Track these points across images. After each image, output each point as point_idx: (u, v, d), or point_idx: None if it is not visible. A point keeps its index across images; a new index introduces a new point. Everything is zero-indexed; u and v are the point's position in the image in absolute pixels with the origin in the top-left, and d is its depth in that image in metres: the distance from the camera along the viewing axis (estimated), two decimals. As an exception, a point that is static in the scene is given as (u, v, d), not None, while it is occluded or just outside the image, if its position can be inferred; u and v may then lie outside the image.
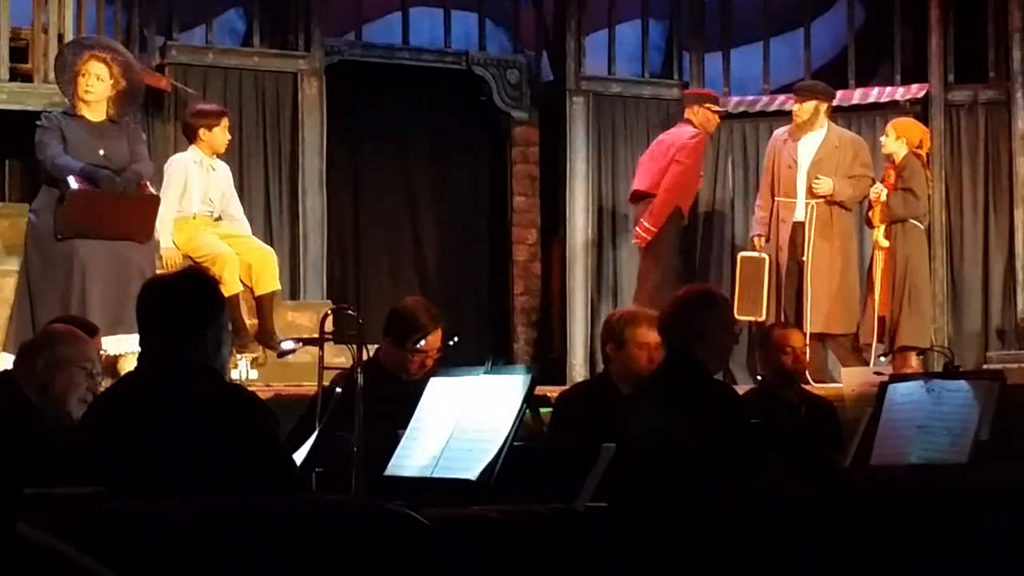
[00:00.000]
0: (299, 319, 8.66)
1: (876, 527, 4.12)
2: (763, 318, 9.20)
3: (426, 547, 3.38)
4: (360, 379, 4.65)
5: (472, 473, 4.41)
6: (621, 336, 5.89)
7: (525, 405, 4.53)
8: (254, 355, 8.14)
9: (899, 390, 5.53)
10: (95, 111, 7.66)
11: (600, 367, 9.97)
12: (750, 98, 11.09)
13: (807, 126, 9.49)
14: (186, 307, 3.94)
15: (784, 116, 10.29)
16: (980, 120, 10.73)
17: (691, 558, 4.11)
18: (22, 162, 8.85)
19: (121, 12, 9.60)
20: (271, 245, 8.91)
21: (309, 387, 6.14)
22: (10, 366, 5.08)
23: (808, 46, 11.16)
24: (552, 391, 6.83)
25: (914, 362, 9.15)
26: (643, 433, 4.78)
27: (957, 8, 10.75)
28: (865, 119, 10.68)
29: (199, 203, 8.35)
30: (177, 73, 9.79)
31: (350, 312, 5.36)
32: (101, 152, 7.58)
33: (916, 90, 10.77)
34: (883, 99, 10.81)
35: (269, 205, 10.06)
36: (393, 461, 4.71)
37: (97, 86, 7.63)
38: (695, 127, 9.88)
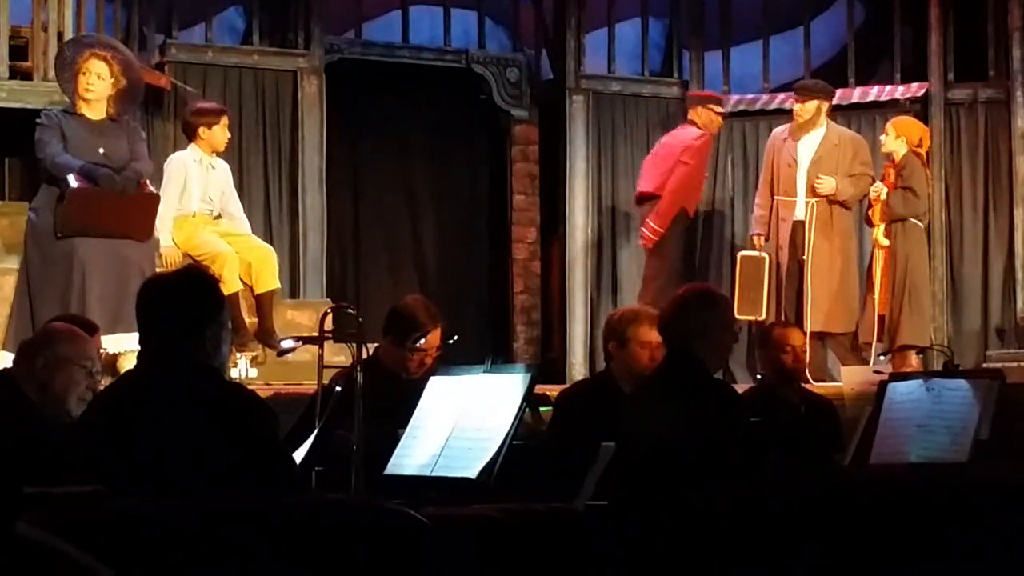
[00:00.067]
0: (299, 317, 8.66)
1: (876, 526, 4.12)
2: (763, 317, 9.19)
3: (426, 546, 3.38)
4: (360, 378, 4.65)
5: (472, 472, 4.41)
6: (623, 335, 5.89)
7: (525, 404, 4.53)
8: (254, 354, 8.14)
9: (899, 389, 5.52)
10: (95, 109, 7.66)
11: (600, 366, 10.00)
12: (750, 96, 11.09)
13: (809, 126, 9.49)
14: (186, 306, 3.94)
15: (784, 115, 10.29)
16: (980, 119, 10.73)
17: (691, 557, 4.12)
18: (22, 160, 8.85)
19: (121, 10, 9.60)
20: (271, 243, 8.91)
21: (309, 386, 6.14)
22: (10, 364, 5.07)
23: (808, 45, 11.16)
24: (552, 390, 6.83)
25: (914, 361, 9.15)
26: (643, 432, 4.78)
27: (957, 6, 10.74)
28: (865, 118, 10.68)
29: (199, 201, 8.34)
30: (177, 71, 9.79)
31: (350, 311, 5.36)
32: (101, 150, 7.57)
33: (916, 89, 10.76)
34: (883, 98, 10.80)
35: (269, 203, 10.06)
36: (393, 460, 4.71)
37: (98, 84, 7.63)
38: (699, 128, 9.89)
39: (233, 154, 9.21)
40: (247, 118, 9.99)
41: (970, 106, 10.74)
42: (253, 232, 8.69)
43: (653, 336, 5.56)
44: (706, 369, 4.96)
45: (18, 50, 8.50)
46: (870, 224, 9.49)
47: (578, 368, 10.63)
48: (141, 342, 4.04)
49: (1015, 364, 9.25)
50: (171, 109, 9.64)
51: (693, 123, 9.95)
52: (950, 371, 6.40)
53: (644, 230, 9.83)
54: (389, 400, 4.99)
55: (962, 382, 5.38)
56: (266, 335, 8.20)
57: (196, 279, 4.12)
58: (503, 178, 10.98)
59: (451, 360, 5.52)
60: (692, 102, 10.17)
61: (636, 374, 5.70)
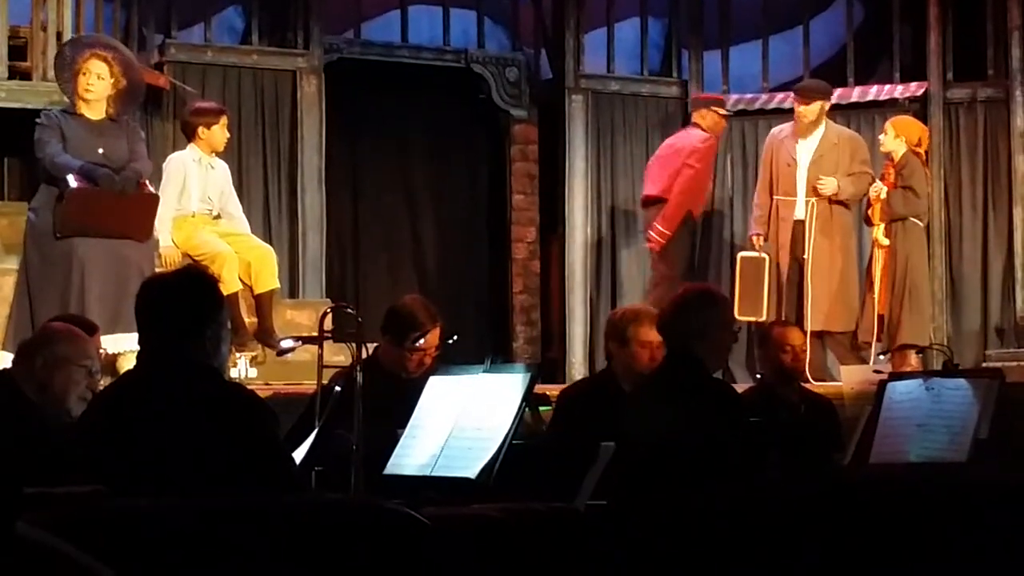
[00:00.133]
0: (298, 317, 8.66)
1: (875, 525, 4.12)
2: (763, 318, 9.19)
3: (426, 546, 3.38)
4: (359, 377, 4.65)
5: (471, 472, 4.41)
6: (624, 334, 5.89)
7: (524, 403, 4.53)
8: (253, 353, 8.13)
9: (898, 388, 5.53)
10: (95, 110, 7.65)
11: (599, 365, 10.00)
12: (749, 96, 11.08)
13: (813, 127, 9.49)
14: (185, 305, 3.94)
15: (784, 114, 10.29)
16: (979, 118, 10.73)
17: (691, 556, 4.12)
18: (21, 160, 8.85)
19: (120, 10, 9.59)
20: (270, 243, 8.91)
21: (308, 385, 6.14)
22: (9, 365, 5.07)
23: (807, 44, 11.16)
24: (551, 390, 6.82)
25: (913, 360, 9.15)
26: (643, 431, 4.78)
27: (956, 6, 10.74)
28: (864, 117, 10.68)
29: (198, 201, 8.34)
30: (176, 71, 9.79)
31: (349, 310, 5.36)
32: (100, 151, 7.57)
33: (915, 88, 10.77)
34: (882, 97, 10.80)
35: (268, 203, 10.06)
36: (392, 460, 4.71)
37: (98, 85, 7.62)
38: (704, 130, 9.89)
39: (232, 154, 9.21)
40: (246, 118, 9.99)
41: (969, 105, 10.74)
42: (252, 232, 8.69)
43: (654, 336, 5.56)
44: (706, 369, 4.96)
45: (17, 50, 8.50)
46: (869, 224, 9.49)
47: (577, 368, 10.63)
48: (140, 342, 4.04)
49: (1015, 363, 9.25)
50: (170, 109, 9.64)
51: (697, 125, 9.96)
52: (950, 370, 6.40)
53: (651, 233, 9.82)
54: (388, 400, 4.99)
55: (962, 381, 5.38)
56: (265, 335, 8.20)
57: (195, 279, 4.12)
58: (502, 178, 10.98)
59: (451, 360, 5.52)
60: (697, 104, 10.18)
61: (637, 374, 5.70)
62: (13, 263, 7.69)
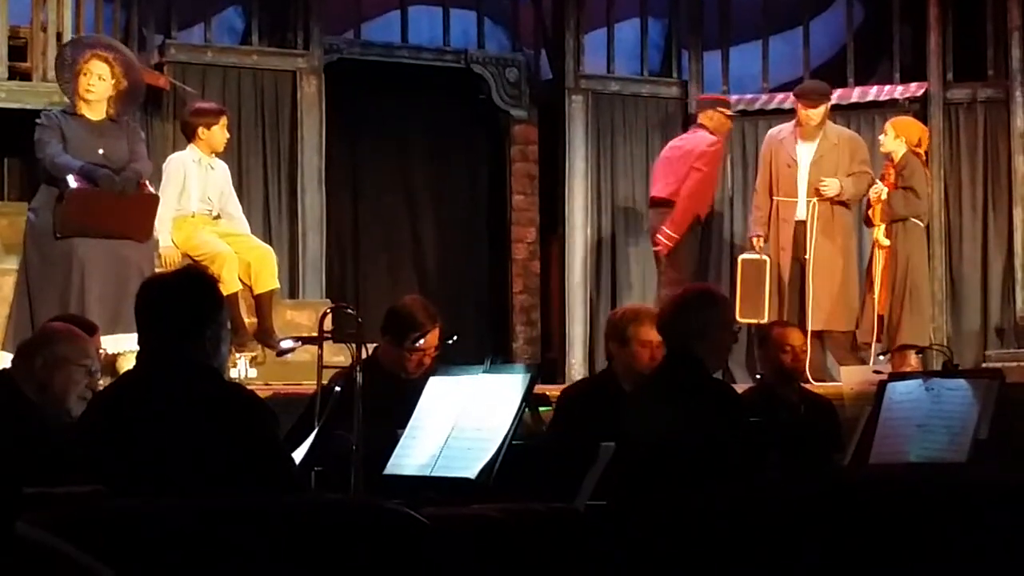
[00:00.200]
0: (298, 318, 8.66)
1: (875, 525, 4.12)
2: (765, 320, 9.18)
3: (426, 546, 3.38)
4: (359, 378, 4.65)
5: (471, 472, 4.41)
6: (624, 334, 5.89)
7: (524, 404, 4.53)
8: (253, 354, 8.13)
9: (898, 389, 5.53)
10: (95, 110, 7.65)
11: (599, 365, 10.00)
12: (749, 96, 11.08)
13: (819, 129, 9.49)
14: (185, 306, 3.94)
15: (783, 115, 10.29)
16: (979, 118, 10.73)
17: (691, 556, 4.12)
18: (21, 161, 8.85)
19: (120, 10, 9.59)
20: (270, 243, 8.90)
21: (308, 386, 6.14)
22: (9, 365, 5.07)
23: (807, 44, 11.16)
24: (551, 390, 6.82)
25: (914, 360, 9.15)
26: (643, 431, 4.78)
27: (956, 6, 10.74)
28: (864, 117, 10.67)
29: (198, 202, 8.34)
30: (176, 71, 9.79)
31: (349, 311, 5.36)
32: (100, 151, 7.57)
33: (915, 88, 10.76)
34: (882, 97, 10.80)
35: (268, 203, 10.06)
36: (392, 460, 4.71)
37: (99, 85, 7.62)
38: (710, 132, 9.88)
39: (232, 154, 9.21)
40: (246, 118, 9.99)
41: (969, 106, 10.74)
42: (252, 232, 8.68)
43: (654, 335, 5.56)
44: (706, 369, 4.96)
45: (17, 50, 8.50)
46: (869, 224, 9.48)
47: (577, 368, 10.63)
48: (140, 342, 4.04)
49: (1014, 364, 9.25)
50: (170, 109, 9.64)
51: (703, 126, 9.94)
52: (949, 371, 6.40)
53: (660, 237, 9.79)
54: (388, 400, 4.99)
55: (961, 382, 5.38)
56: (265, 335, 8.19)
57: (195, 279, 4.12)
58: (502, 178, 10.98)
59: (450, 360, 5.52)
60: (703, 105, 10.16)
61: (637, 373, 5.70)
62: (13, 263, 7.69)
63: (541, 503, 4.29)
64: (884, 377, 6.00)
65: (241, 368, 7.95)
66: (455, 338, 5.89)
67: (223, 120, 8.48)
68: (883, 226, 9.30)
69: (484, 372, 4.75)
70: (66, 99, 7.74)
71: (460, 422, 4.60)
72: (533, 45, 11.13)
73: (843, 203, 9.44)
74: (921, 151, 9.41)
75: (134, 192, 7.62)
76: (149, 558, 3.07)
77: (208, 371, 3.90)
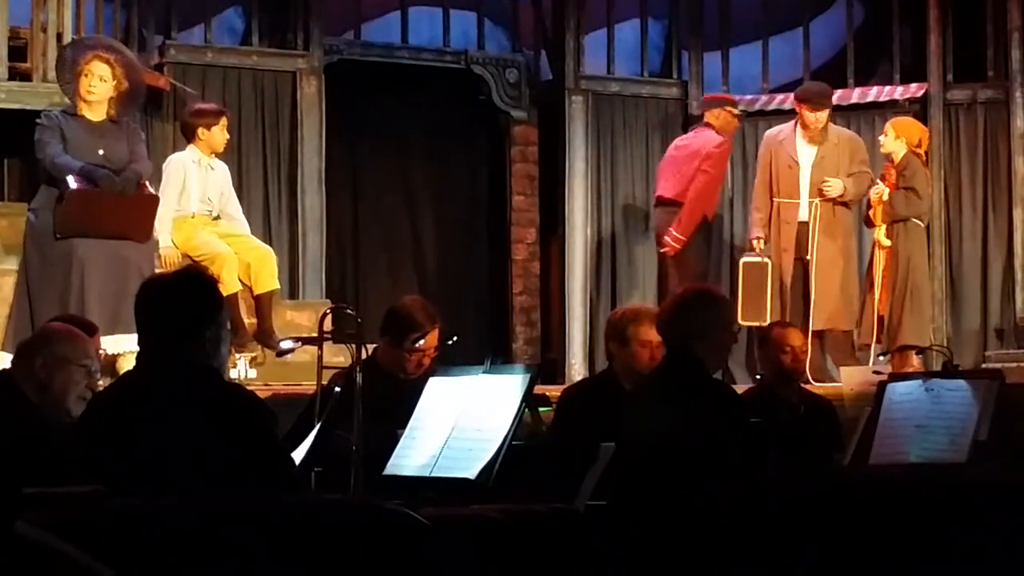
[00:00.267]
0: (298, 318, 8.66)
1: (875, 526, 4.12)
2: (767, 323, 9.18)
3: (425, 547, 3.38)
4: (359, 378, 4.65)
5: (471, 472, 4.41)
6: (623, 334, 5.90)
7: (524, 404, 4.53)
8: (253, 354, 8.14)
9: (898, 389, 5.53)
10: (96, 111, 7.65)
11: (599, 366, 10.00)
12: (749, 97, 11.08)
13: (824, 132, 9.49)
14: (185, 306, 3.94)
15: (784, 115, 10.29)
16: (979, 119, 10.73)
17: (691, 557, 4.11)
18: (21, 161, 8.85)
19: (120, 11, 9.60)
20: (270, 244, 8.91)
21: (308, 386, 6.14)
22: (9, 365, 5.07)
23: (807, 45, 11.16)
24: (551, 391, 6.83)
25: (915, 361, 9.14)
26: (643, 432, 4.78)
27: (956, 7, 10.75)
28: (864, 118, 10.68)
29: (198, 202, 8.34)
30: (176, 72, 9.79)
31: (349, 311, 5.37)
32: (100, 152, 7.57)
33: (915, 89, 10.77)
34: (882, 98, 10.80)
35: (268, 204, 10.07)
36: (392, 460, 4.71)
37: (100, 87, 7.62)
38: (717, 131, 9.86)
39: (232, 155, 9.21)
40: (246, 119, 10.00)
41: (969, 107, 10.75)
42: (252, 233, 8.69)
43: (653, 335, 5.57)
44: (706, 369, 4.96)
45: (17, 51, 8.50)
46: (869, 225, 9.48)
47: (577, 368, 10.63)
48: (140, 343, 4.04)
49: (1014, 364, 9.26)
50: (170, 110, 9.64)
51: (710, 125, 9.92)
52: (949, 371, 6.40)
53: (668, 239, 9.77)
54: (388, 401, 4.99)
55: (961, 382, 5.38)
56: (265, 336, 8.19)
57: (195, 280, 4.13)
58: (502, 179, 10.99)
59: (450, 361, 5.52)
60: (710, 104, 10.12)
61: (637, 373, 5.70)
62: (13, 263, 7.70)
63: (541, 503, 4.29)
64: (884, 377, 6.00)
65: (241, 368, 7.95)
66: (455, 339, 5.89)
67: (223, 121, 8.48)
68: (884, 226, 9.30)
69: (484, 372, 4.75)
70: (66, 99, 7.75)
71: (460, 422, 4.60)
72: (533, 46, 11.13)
73: (844, 203, 9.45)
74: (921, 151, 9.41)
75: (134, 193, 7.63)
76: (149, 558, 3.07)
77: (208, 371, 3.91)
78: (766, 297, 9.34)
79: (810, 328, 8.99)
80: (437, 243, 11.04)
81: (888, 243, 9.28)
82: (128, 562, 3.04)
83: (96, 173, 7.47)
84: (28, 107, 8.06)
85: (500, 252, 11.00)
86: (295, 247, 10.05)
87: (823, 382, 8.81)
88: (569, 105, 10.91)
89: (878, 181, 9.38)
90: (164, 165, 8.41)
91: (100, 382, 4.94)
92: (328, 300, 9.54)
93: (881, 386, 5.62)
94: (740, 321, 8.93)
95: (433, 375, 5.01)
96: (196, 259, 8.07)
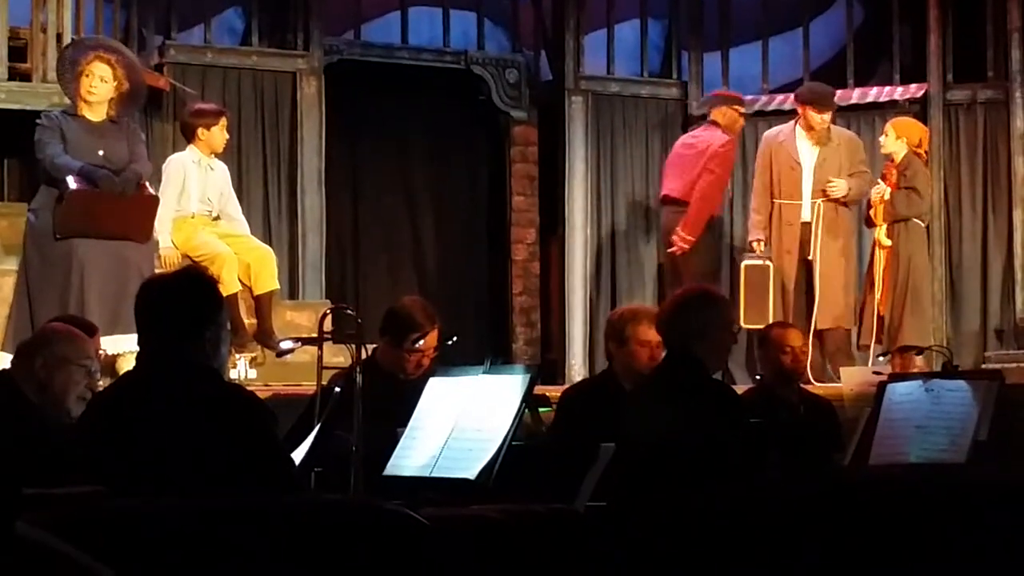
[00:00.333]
0: (298, 318, 8.66)
1: (875, 526, 4.12)
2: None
3: (425, 547, 3.38)
4: (359, 378, 4.65)
5: (471, 473, 4.40)
6: (623, 334, 5.90)
7: (524, 404, 4.53)
8: (253, 355, 8.13)
9: (898, 389, 5.53)
10: (96, 111, 7.65)
11: (599, 366, 10.00)
12: (749, 97, 11.07)
13: (828, 133, 9.48)
14: (185, 307, 3.94)
15: (784, 115, 10.29)
16: (979, 119, 10.73)
17: (691, 557, 4.11)
18: (21, 161, 8.85)
19: (120, 11, 9.60)
20: (270, 244, 8.91)
21: (308, 387, 6.14)
22: (9, 365, 5.07)
23: (807, 45, 11.16)
24: (551, 391, 6.83)
25: (918, 361, 9.14)
26: (643, 432, 4.78)
27: (956, 7, 10.75)
28: (864, 118, 10.68)
29: (197, 202, 8.34)
30: (176, 72, 9.79)
31: (349, 311, 5.37)
32: (100, 152, 7.57)
33: (915, 89, 10.77)
34: (882, 98, 10.81)
35: (268, 204, 10.07)
36: (392, 461, 4.71)
37: (101, 87, 7.62)
38: (722, 129, 9.85)
39: (232, 155, 9.21)
40: (246, 119, 10.00)
41: (969, 107, 10.75)
42: (252, 233, 8.69)
43: (653, 335, 5.57)
44: (706, 369, 4.96)
45: (17, 51, 8.50)
46: (870, 225, 9.48)
47: (577, 369, 10.63)
48: (140, 343, 4.04)
49: (1014, 365, 9.26)
50: (170, 110, 9.64)
51: (715, 123, 9.89)
52: (949, 372, 6.40)
53: (675, 239, 9.74)
54: (388, 401, 4.99)
55: (961, 383, 5.39)
56: (265, 336, 8.19)
57: (195, 280, 4.13)
58: (502, 179, 10.99)
59: (450, 361, 5.52)
60: (716, 102, 10.07)
61: (637, 373, 5.70)
62: (13, 264, 7.70)
63: (541, 504, 4.29)
64: (884, 378, 6.00)
65: (241, 369, 7.95)
66: (455, 339, 5.89)
67: (223, 121, 8.48)
68: (884, 226, 9.29)
69: (484, 373, 4.75)
70: (66, 100, 7.74)
71: (460, 423, 4.60)
72: (533, 46, 11.13)
73: (846, 204, 9.45)
74: (922, 151, 9.41)
75: (134, 193, 7.63)
76: (149, 558, 3.07)
77: (208, 372, 3.91)
78: (768, 300, 9.34)
79: (811, 328, 8.98)
80: (437, 243, 11.04)
81: (889, 243, 9.28)
82: (128, 562, 3.04)
83: (96, 173, 7.47)
84: (28, 107, 8.06)
85: (500, 252, 11.00)
86: (295, 247, 10.05)
87: (823, 382, 8.81)
88: (569, 105, 10.91)
89: (879, 181, 9.38)
90: (164, 165, 8.41)
91: (100, 382, 4.94)
92: (328, 300, 9.54)
93: (881, 386, 5.62)
94: (742, 324, 8.93)
95: (433, 375, 5.01)
96: (196, 259, 8.07)
